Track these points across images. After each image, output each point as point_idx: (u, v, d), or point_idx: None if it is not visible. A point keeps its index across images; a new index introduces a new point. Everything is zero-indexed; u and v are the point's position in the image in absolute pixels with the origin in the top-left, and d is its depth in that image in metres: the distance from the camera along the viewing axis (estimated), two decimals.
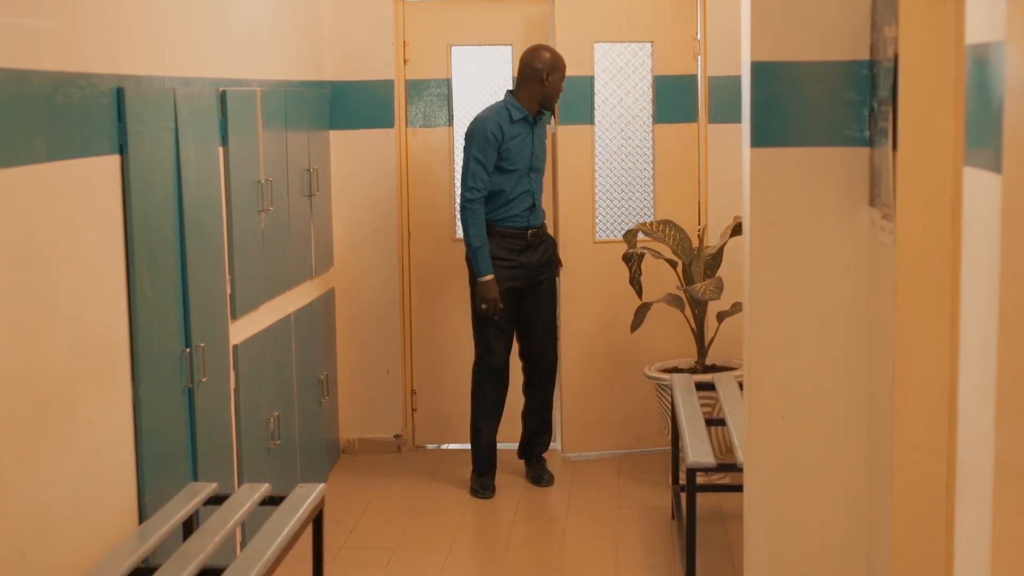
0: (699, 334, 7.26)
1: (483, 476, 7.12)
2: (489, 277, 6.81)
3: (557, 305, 7.39)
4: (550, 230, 7.41)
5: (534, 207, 7.01)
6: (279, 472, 6.16)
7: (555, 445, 7.63)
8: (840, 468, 4.65)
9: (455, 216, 7.81)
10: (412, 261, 7.87)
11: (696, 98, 7.64)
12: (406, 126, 7.78)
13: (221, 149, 5.46)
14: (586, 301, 7.66)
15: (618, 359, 7.72)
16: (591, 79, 7.59)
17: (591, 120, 7.64)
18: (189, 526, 4.70)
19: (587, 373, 7.71)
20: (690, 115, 7.65)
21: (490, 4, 7.76)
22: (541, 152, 7.04)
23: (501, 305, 6.86)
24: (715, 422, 6.52)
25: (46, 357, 3.94)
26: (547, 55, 6.87)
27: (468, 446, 7.37)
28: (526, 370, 7.27)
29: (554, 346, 7.33)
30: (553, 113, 7.26)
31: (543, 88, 6.89)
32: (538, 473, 7.27)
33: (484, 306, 6.83)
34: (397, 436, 7.84)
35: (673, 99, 7.67)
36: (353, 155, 7.62)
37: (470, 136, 6.92)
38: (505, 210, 6.93)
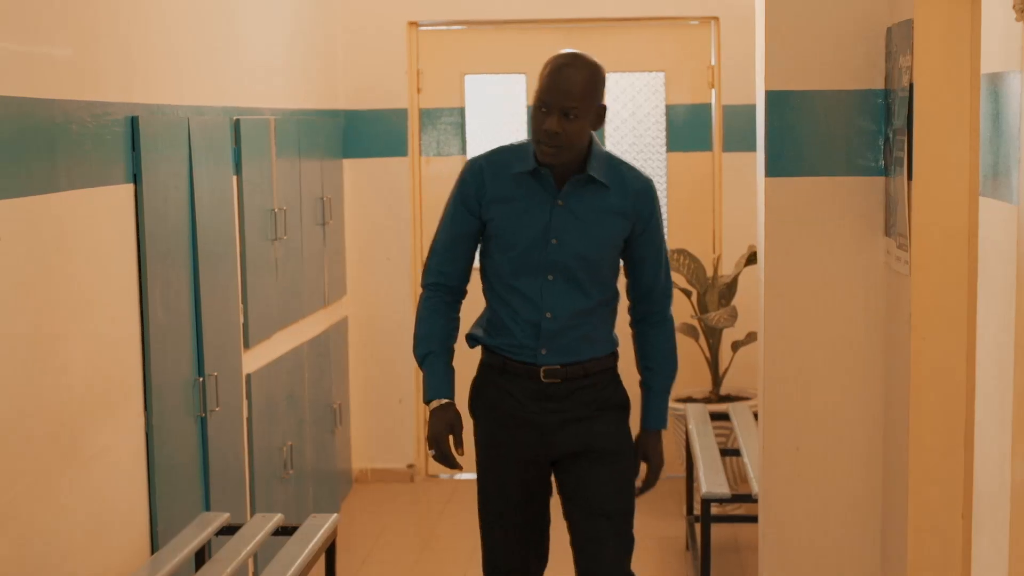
0: (714, 364, 7.23)
1: None
2: (438, 403, 4.00)
3: (631, 505, 4.13)
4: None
5: (540, 333, 3.99)
6: (292, 502, 6.14)
7: None
8: (856, 498, 4.63)
9: None
10: None
11: (711, 127, 7.64)
12: (419, 155, 7.78)
13: (235, 178, 5.46)
14: None
15: (632, 388, 7.68)
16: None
17: None
18: (201, 556, 4.69)
19: None
20: (704, 144, 7.64)
21: (504, 33, 7.77)
22: (574, 239, 3.96)
23: (452, 453, 4.01)
24: (730, 452, 6.49)
25: (59, 385, 3.93)
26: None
27: None
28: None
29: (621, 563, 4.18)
30: (576, 171, 3.98)
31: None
32: None
33: (431, 451, 4.04)
34: (410, 466, 7.82)
35: (687, 128, 7.67)
36: (366, 183, 7.62)
37: None
38: (497, 325, 4.07)
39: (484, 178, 4.03)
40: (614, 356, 4.11)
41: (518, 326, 4.01)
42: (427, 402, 4.04)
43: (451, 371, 4.08)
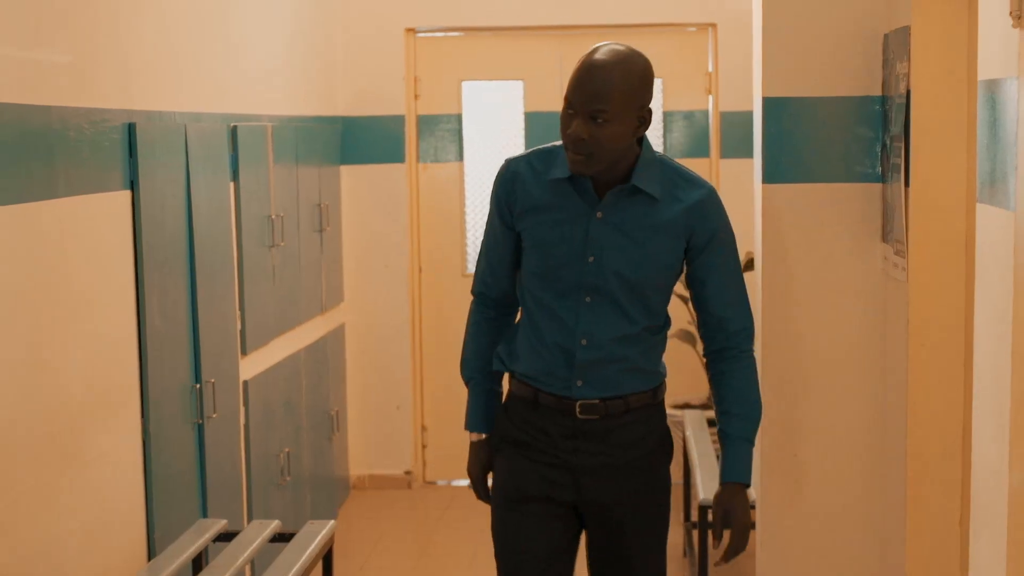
0: None
1: None
2: (476, 437, 3.76)
3: (663, 564, 3.74)
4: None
5: (574, 361, 3.52)
6: (289, 509, 6.14)
7: None
8: (853, 505, 4.63)
9: (466, 251, 7.81)
10: (422, 296, 7.86)
11: (708, 133, 7.64)
12: (417, 161, 7.79)
13: (232, 184, 5.46)
14: None
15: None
16: None
17: None
18: (198, 563, 4.68)
19: None
20: (702, 150, 7.65)
21: (502, 39, 7.77)
22: (614, 258, 3.48)
23: (487, 493, 3.75)
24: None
25: (56, 391, 3.93)
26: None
27: None
28: None
29: None
30: (621, 181, 3.50)
31: None
32: None
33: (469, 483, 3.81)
34: (407, 472, 7.81)
35: (684, 134, 7.68)
36: (364, 190, 7.62)
37: None
38: (527, 350, 3.60)
39: (516, 183, 3.56)
40: (661, 390, 3.62)
41: (550, 352, 3.53)
42: (468, 430, 3.75)
43: (494, 399, 3.74)
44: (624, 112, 3.34)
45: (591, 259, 3.46)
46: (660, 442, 3.62)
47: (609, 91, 3.32)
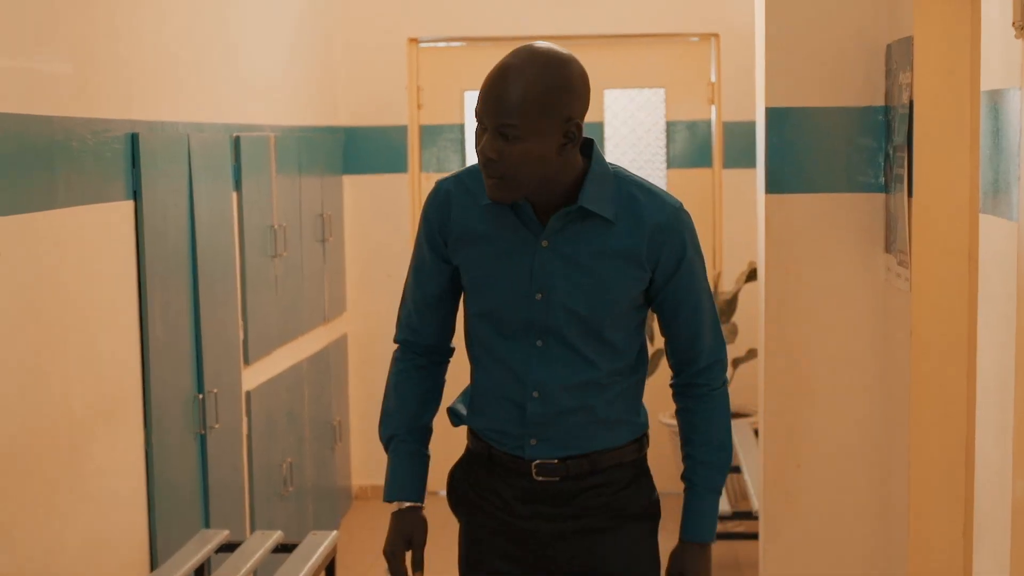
0: None
1: None
2: (397, 507, 3.28)
3: None
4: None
5: (525, 417, 3.00)
6: (291, 519, 6.13)
7: None
8: (856, 515, 4.63)
9: None
10: None
11: (711, 143, 7.64)
12: (420, 171, 7.79)
13: (235, 194, 5.46)
14: None
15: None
16: (600, 125, 7.60)
17: None
18: (201, 574, 4.67)
19: None
20: (705, 160, 7.65)
21: (504, 49, 7.68)
22: (565, 293, 2.94)
23: (405, 573, 3.30)
24: (730, 469, 6.48)
25: (59, 401, 3.93)
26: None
27: None
28: None
29: None
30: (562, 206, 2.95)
31: None
32: None
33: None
34: None
35: (687, 144, 7.68)
36: (366, 200, 7.62)
37: None
38: (479, 401, 3.13)
39: (450, 209, 2.99)
40: (638, 445, 3.08)
41: (500, 406, 3.01)
42: (386, 501, 3.20)
43: (420, 462, 3.20)
44: (540, 126, 2.75)
45: (539, 296, 2.92)
46: (640, 507, 3.05)
47: (519, 102, 2.74)
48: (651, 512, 3.07)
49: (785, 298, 4.62)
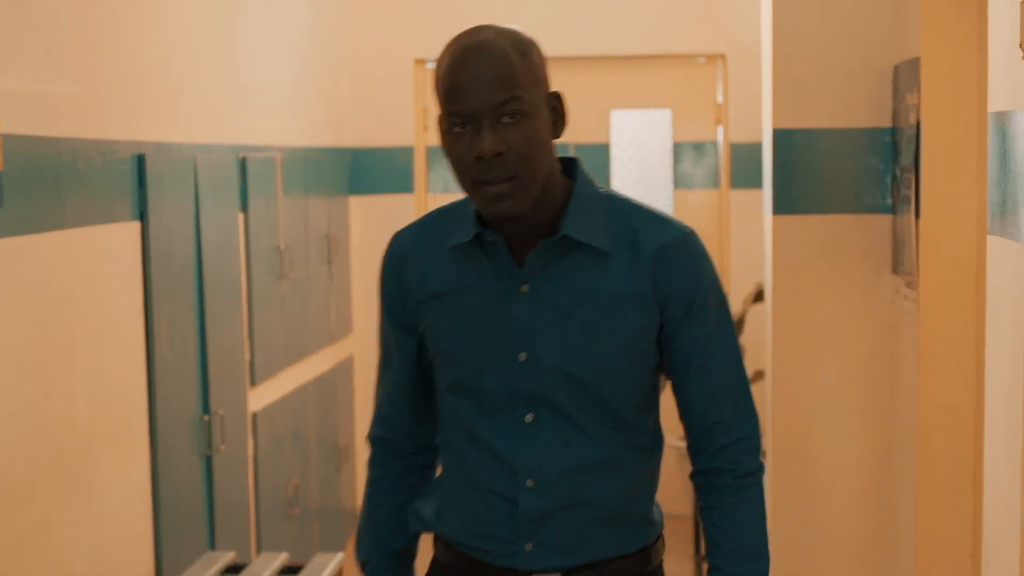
0: None
1: None
2: None
3: None
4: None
5: (519, 515, 2.39)
6: (297, 541, 6.12)
7: None
8: (863, 537, 4.61)
9: None
10: None
11: (717, 164, 7.64)
12: (426, 192, 7.79)
13: (241, 215, 5.46)
14: None
15: None
16: (607, 146, 7.59)
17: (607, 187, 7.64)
18: None
19: None
20: (711, 181, 7.65)
21: None
22: (555, 349, 2.37)
23: None
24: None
25: (65, 422, 3.92)
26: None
27: None
28: None
29: None
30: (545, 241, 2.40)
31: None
32: None
33: None
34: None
35: (694, 165, 7.68)
36: (373, 221, 7.62)
37: None
38: (454, 500, 2.50)
39: (407, 266, 2.49)
40: (654, 549, 2.50)
41: (483, 503, 2.41)
42: None
43: None
44: (536, 99, 2.35)
45: (523, 356, 2.36)
46: None
47: (515, 70, 2.32)
48: None
49: (792, 319, 4.62)
